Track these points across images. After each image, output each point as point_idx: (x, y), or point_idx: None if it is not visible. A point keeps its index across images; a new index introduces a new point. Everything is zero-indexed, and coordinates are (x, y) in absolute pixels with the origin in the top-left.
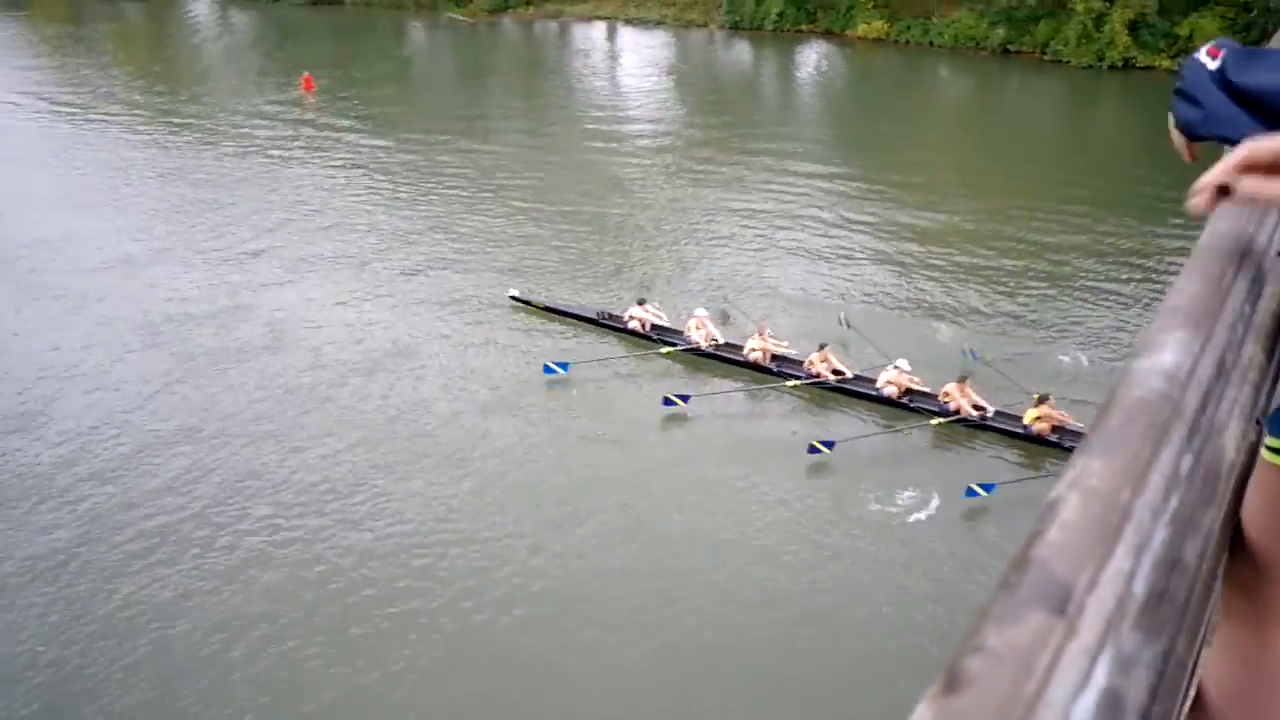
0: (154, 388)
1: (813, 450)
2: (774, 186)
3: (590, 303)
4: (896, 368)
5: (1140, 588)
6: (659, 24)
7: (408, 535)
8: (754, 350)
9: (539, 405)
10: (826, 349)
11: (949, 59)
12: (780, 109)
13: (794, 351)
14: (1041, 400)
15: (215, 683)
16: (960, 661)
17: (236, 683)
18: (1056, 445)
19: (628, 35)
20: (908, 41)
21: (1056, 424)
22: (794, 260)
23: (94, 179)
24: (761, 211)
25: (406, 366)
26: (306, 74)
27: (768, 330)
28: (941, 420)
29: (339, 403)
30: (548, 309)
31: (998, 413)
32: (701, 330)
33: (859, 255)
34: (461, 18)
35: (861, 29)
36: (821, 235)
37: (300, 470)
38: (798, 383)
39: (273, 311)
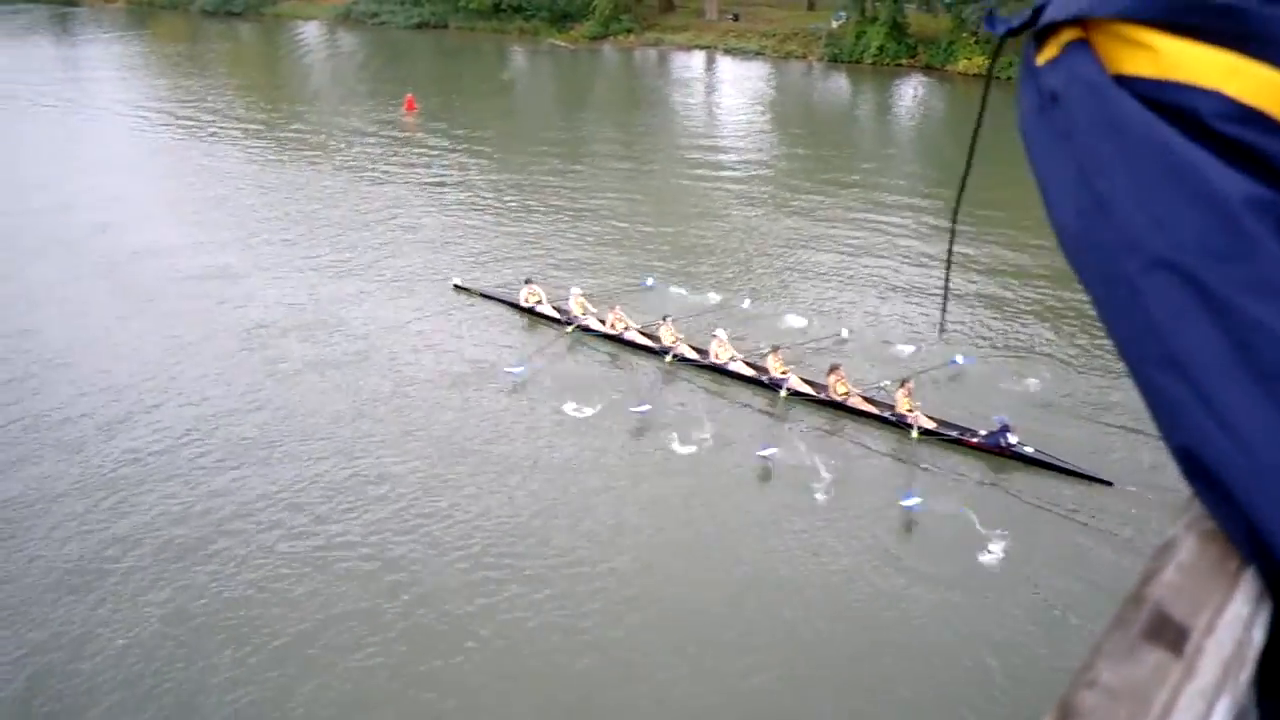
0: (248, 398)
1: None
2: (862, 219)
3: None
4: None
5: (1258, 635)
6: (758, 54)
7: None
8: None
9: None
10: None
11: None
12: (875, 142)
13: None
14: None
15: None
16: (1075, 695)
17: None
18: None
19: (726, 65)
20: (1009, 79)
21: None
22: (871, 292)
23: (200, 191)
24: (848, 242)
25: (490, 382)
26: (409, 95)
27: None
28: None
29: (424, 414)
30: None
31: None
32: (723, 348)
33: (936, 291)
34: (563, 43)
35: (963, 64)
36: (905, 269)
37: (391, 484)
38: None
39: (365, 325)
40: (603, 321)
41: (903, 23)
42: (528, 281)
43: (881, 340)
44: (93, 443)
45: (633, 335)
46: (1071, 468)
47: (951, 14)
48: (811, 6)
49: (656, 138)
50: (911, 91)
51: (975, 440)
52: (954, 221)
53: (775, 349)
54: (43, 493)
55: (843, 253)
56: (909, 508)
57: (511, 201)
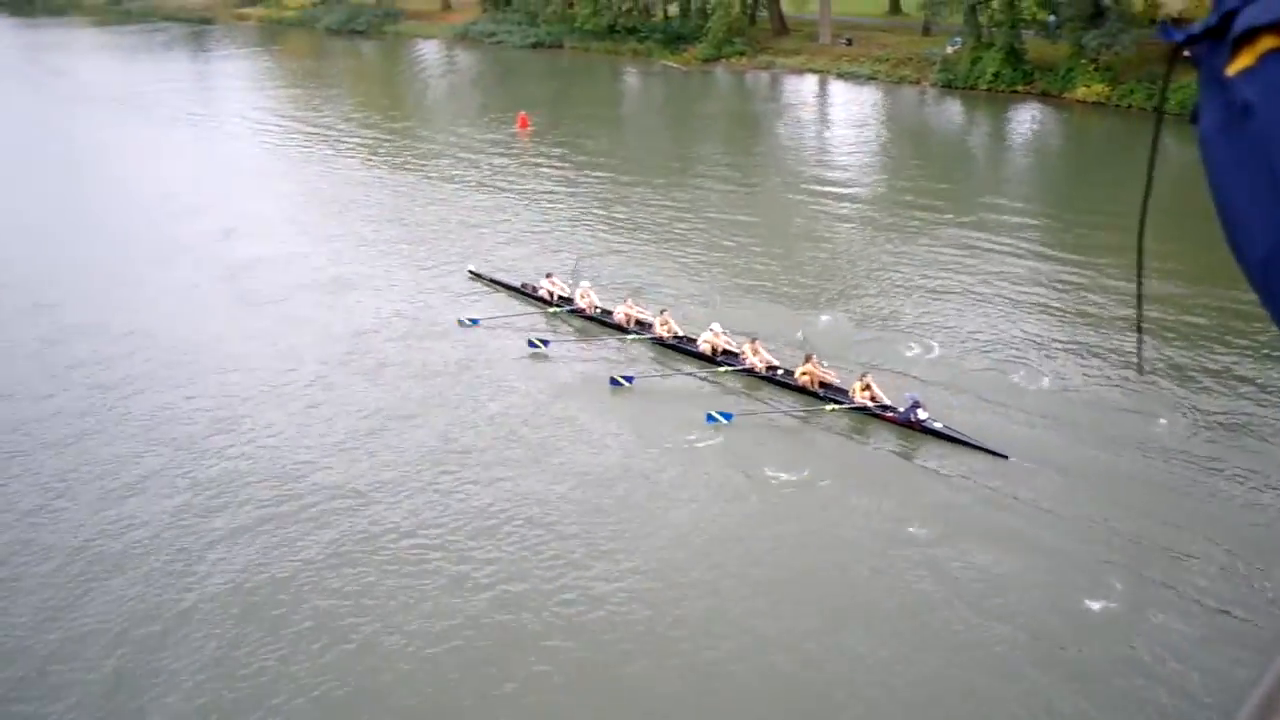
0: (352, 405)
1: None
2: (970, 246)
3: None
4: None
5: None
6: (870, 79)
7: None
8: (803, 374)
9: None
10: (868, 376)
11: (1175, 127)
12: (987, 170)
13: (836, 380)
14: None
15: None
16: None
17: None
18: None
19: (838, 89)
20: (1130, 106)
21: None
22: (971, 314)
23: (318, 201)
24: (951, 268)
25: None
26: (522, 113)
27: (814, 358)
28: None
29: (536, 431)
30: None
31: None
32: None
33: (1043, 317)
34: (675, 65)
35: (1081, 91)
36: (1011, 296)
37: (500, 502)
38: (837, 407)
39: (469, 334)
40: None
41: (1020, 49)
42: (549, 275)
43: (960, 360)
44: (204, 441)
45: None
46: (973, 442)
47: (1070, 40)
48: (926, 32)
49: (765, 159)
50: (1027, 119)
51: (890, 415)
52: (1140, 254)
53: (754, 339)
54: (157, 487)
55: (945, 278)
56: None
57: (619, 217)
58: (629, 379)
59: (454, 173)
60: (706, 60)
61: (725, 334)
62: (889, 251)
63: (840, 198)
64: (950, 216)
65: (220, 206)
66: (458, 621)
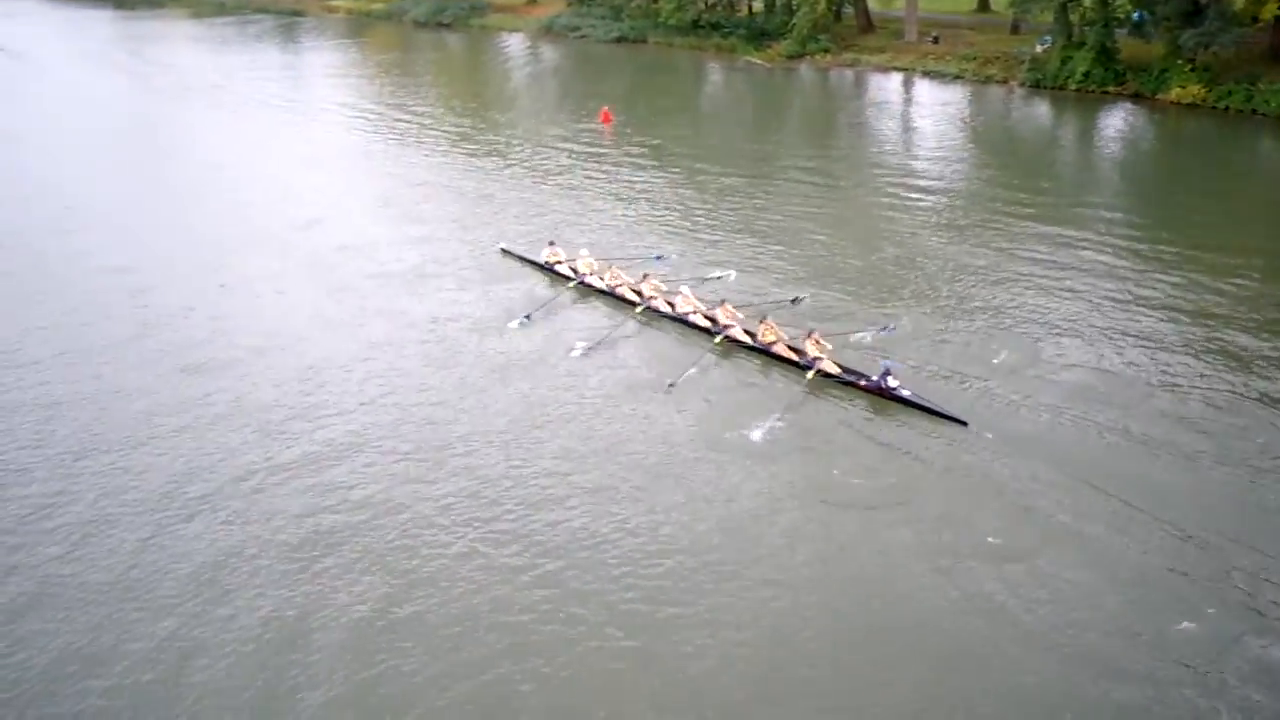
0: (430, 394)
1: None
2: (1050, 249)
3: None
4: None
5: None
6: (957, 78)
7: None
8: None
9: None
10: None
11: (1275, 129)
12: (1074, 171)
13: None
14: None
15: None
16: None
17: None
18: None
19: (923, 88)
20: (1227, 108)
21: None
22: (1048, 328)
23: (400, 191)
24: (1030, 270)
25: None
26: (605, 107)
27: (817, 334)
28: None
29: (601, 425)
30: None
31: None
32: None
33: (1124, 333)
34: (759, 61)
35: (1175, 93)
36: (1096, 307)
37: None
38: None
39: (547, 326)
40: (671, 305)
41: (1112, 48)
42: (551, 243)
43: (1044, 364)
44: (287, 427)
45: (697, 318)
46: (937, 409)
47: (1165, 39)
48: (1015, 30)
49: (848, 157)
50: (1117, 120)
51: (863, 383)
52: None
53: (723, 302)
54: (243, 471)
55: (1028, 281)
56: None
57: (699, 212)
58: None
59: (537, 165)
60: (791, 57)
61: (719, 305)
62: (970, 252)
63: (922, 197)
64: (1036, 218)
65: (307, 195)
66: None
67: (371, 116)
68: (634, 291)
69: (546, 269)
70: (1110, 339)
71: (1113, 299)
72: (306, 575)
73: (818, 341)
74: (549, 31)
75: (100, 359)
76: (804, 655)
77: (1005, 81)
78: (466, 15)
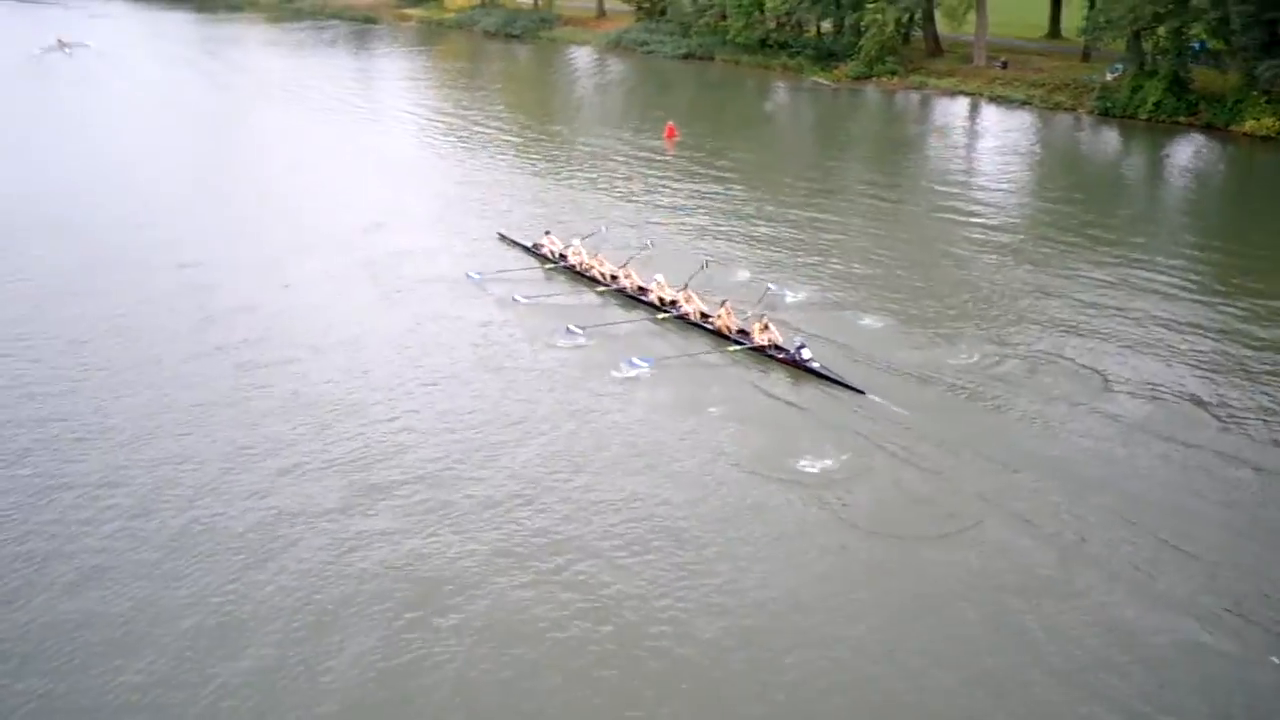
0: (479, 399)
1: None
2: (1111, 279)
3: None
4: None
5: None
6: (1024, 104)
7: None
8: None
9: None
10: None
11: None
12: (1141, 202)
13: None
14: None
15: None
16: None
17: None
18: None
19: (989, 113)
20: None
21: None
22: (1104, 355)
23: (462, 199)
24: (1099, 299)
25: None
26: (670, 123)
27: (768, 323)
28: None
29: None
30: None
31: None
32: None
33: (1186, 369)
34: (825, 82)
35: (1249, 125)
36: (1156, 336)
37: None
38: (739, 348)
39: (605, 341)
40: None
41: (1185, 78)
42: (547, 232)
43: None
44: (337, 423)
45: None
46: (840, 379)
47: (1241, 71)
48: (1086, 57)
49: (910, 179)
50: (1189, 151)
51: (780, 356)
52: None
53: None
54: (296, 467)
55: (1090, 311)
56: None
57: (759, 229)
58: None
59: (599, 178)
60: (857, 78)
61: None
62: (1031, 281)
63: (984, 221)
64: (1100, 248)
65: (371, 199)
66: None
67: (438, 123)
68: (611, 276)
69: (533, 252)
70: (1170, 366)
71: (1173, 328)
72: (342, 570)
73: (765, 326)
74: (617, 46)
75: (163, 349)
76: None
77: (1074, 109)
78: (536, 27)
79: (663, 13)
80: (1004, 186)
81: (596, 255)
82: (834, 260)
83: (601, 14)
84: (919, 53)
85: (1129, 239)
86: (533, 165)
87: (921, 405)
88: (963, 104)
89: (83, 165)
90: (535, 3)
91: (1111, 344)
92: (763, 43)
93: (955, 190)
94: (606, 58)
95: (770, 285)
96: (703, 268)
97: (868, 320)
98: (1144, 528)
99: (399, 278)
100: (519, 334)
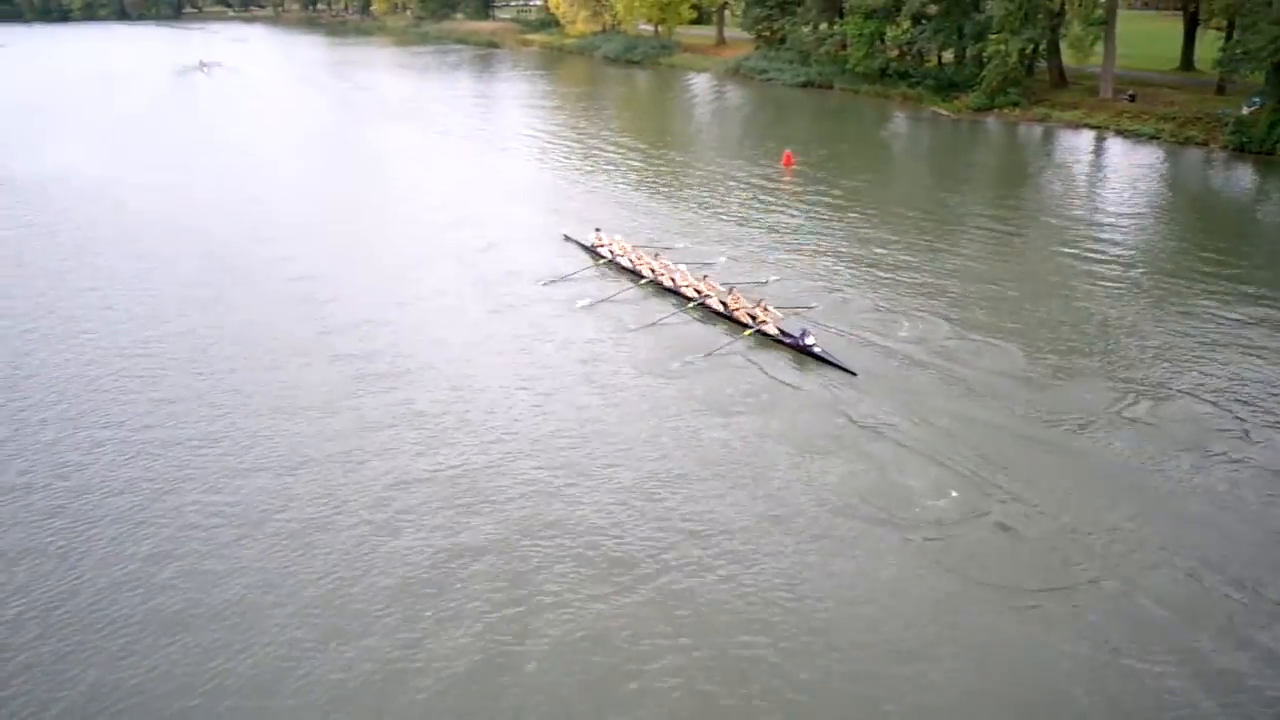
0: (582, 415)
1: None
2: (1243, 321)
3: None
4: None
5: None
6: (1153, 138)
7: None
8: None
9: None
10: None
11: None
12: (1277, 243)
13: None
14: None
15: None
16: None
17: None
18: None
19: (1115, 147)
20: None
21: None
22: (1228, 397)
23: (577, 219)
24: (1216, 338)
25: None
26: (787, 150)
27: (769, 308)
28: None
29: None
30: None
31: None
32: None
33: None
34: (945, 112)
35: None
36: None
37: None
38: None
39: (715, 359)
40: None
41: None
42: (597, 230)
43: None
44: (444, 437)
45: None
46: (837, 362)
47: None
48: (1220, 90)
49: (1029, 214)
50: None
51: (788, 341)
52: None
53: (705, 276)
54: (403, 479)
55: (1201, 348)
56: None
57: (874, 257)
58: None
59: (714, 201)
60: (978, 109)
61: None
62: (1157, 318)
63: (1104, 256)
64: (1227, 287)
65: (488, 219)
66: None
67: (556, 145)
68: (650, 270)
69: (589, 250)
70: None
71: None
72: (443, 586)
73: (766, 309)
74: (736, 73)
75: (281, 359)
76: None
77: (1206, 144)
78: (656, 54)
79: (782, 41)
80: (1129, 221)
81: (636, 251)
82: (951, 291)
83: (721, 41)
84: (1043, 84)
85: (1261, 278)
86: (649, 188)
87: (1045, 443)
88: (1087, 137)
89: (211, 178)
90: (656, 29)
91: (1244, 386)
92: (883, 72)
93: (1078, 224)
94: (725, 84)
95: (772, 276)
96: (765, 282)
97: (984, 349)
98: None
99: (511, 294)
100: (626, 355)
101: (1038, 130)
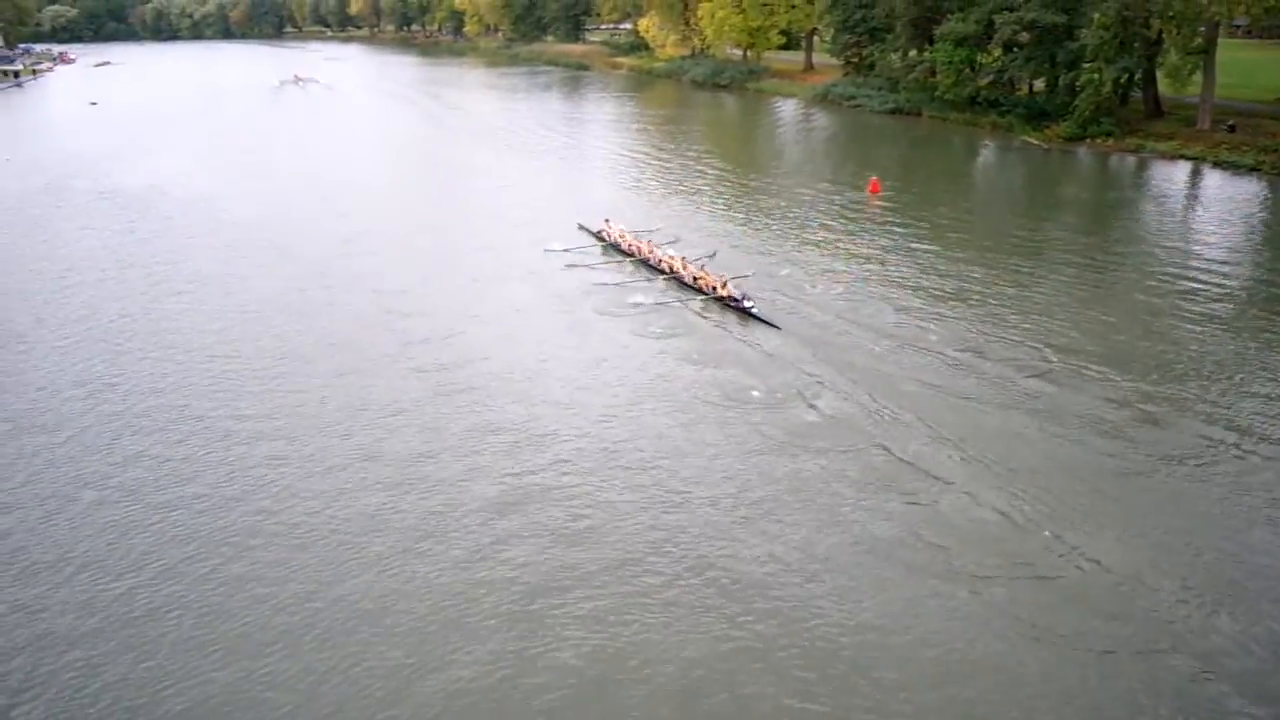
0: (655, 435)
1: None
2: None
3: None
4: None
5: None
6: (1253, 170)
7: None
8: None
9: None
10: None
11: None
12: None
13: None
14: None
15: None
16: None
17: None
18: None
19: (1213, 179)
20: None
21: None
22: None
23: (659, 238)
24: None
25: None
26: (874, 177)
27: (728, 283)
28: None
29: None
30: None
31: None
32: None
33: None
34: (1036, 142)
35: None
36: None
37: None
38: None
39: (767, 389)
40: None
41: None
42: (607, 220)
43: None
44: (514, 452)
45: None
46: (766, 319)
47: None
48: None
49: (1120, 247)
50: None
51: (733, 304)
52: None
53: (684, 258)
54: (482, 500)
55: None
56: None
57: (956, 286)
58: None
59: (797, 227)
60: (1069, 139)
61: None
62: (1253, 356)
63: (1196, 291)
64: None
65: (570, 238)
66: None
67: (641, 168)
68: (636, 249)
69: (595, 236)
70: None
71: None
72: (530, 607)
73: (725, 283)
74: (824, 99)
75: (362, 370)
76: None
77: None
78: (744, 78)
79: (871, 67)
80: (1225, 255)
81: (625, 236)
82: (1037, 322)
83: (809, 67)
84: (1137, 114)
85: None
86: (734, 212)
87: (1126, 471)
88: (1183, 169)
89: (302, 190)
90: (744, 54)
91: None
92: (972, 100)
93: (1170, 257)
94: (812, 110)
95: (715, 251)
96: (710, 257)
97: (1079, 381)
98: None
99: (590, 311)
100: (694, 372)
101: (1131, 161)
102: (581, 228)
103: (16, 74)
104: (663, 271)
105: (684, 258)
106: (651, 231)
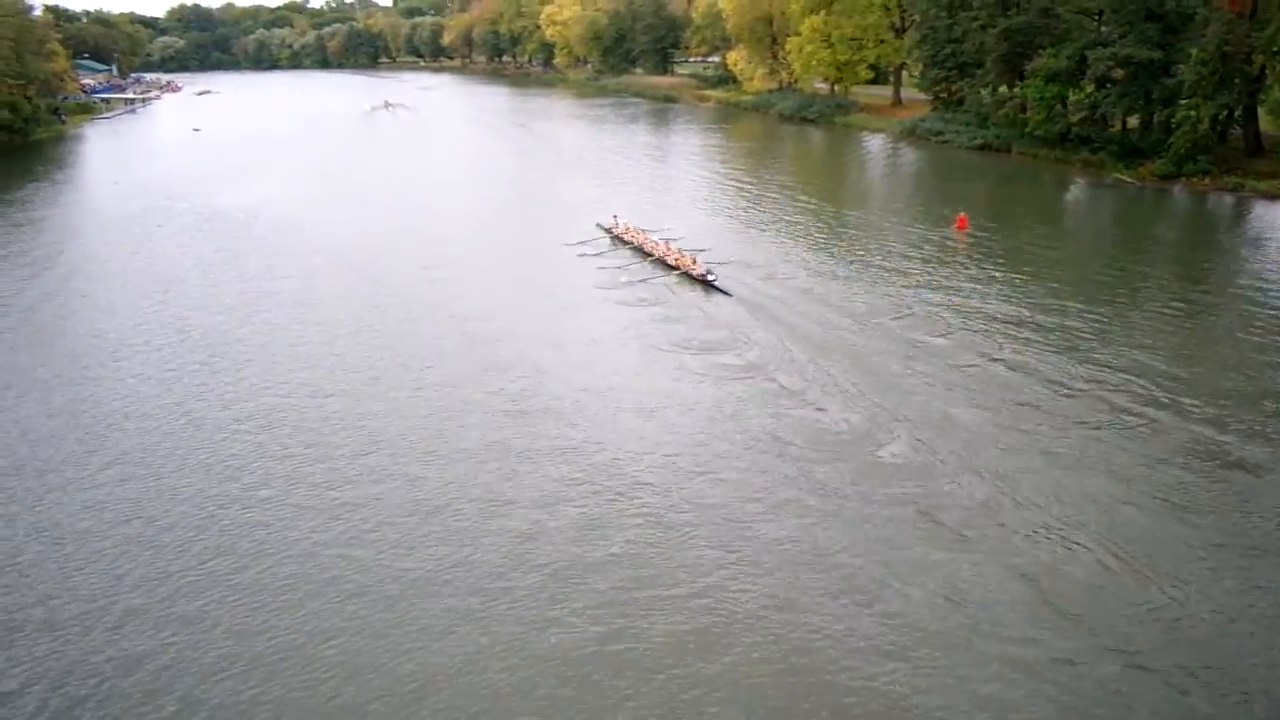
0: (702, 460)
1: None
2: None
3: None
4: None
5: None
6: None
7: None
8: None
9: None
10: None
11: None
12: None
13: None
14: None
15: None
16: None
17: None
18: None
19: None
20: None
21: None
22: None
23: (742, 271)
24: None
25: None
26: (962, 214)
27: (699, 261)
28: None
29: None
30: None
31: None
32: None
33: None
34: (1129, 179)
35: None
36: None
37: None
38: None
39: (842, 428)
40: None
41: None
42: (614, 216)
43: None
44: (593, 476)
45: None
46: (724, 289)
47: None
48: None
49: (1219, 287)
50: None
51: (697, 276)
52: None
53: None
54: (549, 511)
55: None
56: None
57: (1043, 327)
58: None
59: (882, 263)
60: (1164, 177)
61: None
62: None
63: None
64: None
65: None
66: None
67: (727, 198)
68: (634, 237)
69: (603, 229)
70: None
71: None
72: (611, 634)
73: (694, 261)
74: (911, 134)
75: (442, 392)
76: None
77: None
78: (831, 112)
79: (960, 102)
80: None
81: (626, 227)
82: (1131, 361)
83: (897, 102)
84: (1236, 152)
85: None
86: (817, 245)
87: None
88: None
89: (389, 215)
90: (832, 88)
91: None
92: (1063, 136)
93: (1273, 301)
94: (900, 145)
95: (681, 236)
96: (700, 253)
97: (1174, 429)
98: None
99: (665, 342)
100: (764, 403)
101: (1229, 200)
102: (599, 226)
103: (130, 101)
104: (646, 253)
105: (670, 243)
106: (727, 262)
